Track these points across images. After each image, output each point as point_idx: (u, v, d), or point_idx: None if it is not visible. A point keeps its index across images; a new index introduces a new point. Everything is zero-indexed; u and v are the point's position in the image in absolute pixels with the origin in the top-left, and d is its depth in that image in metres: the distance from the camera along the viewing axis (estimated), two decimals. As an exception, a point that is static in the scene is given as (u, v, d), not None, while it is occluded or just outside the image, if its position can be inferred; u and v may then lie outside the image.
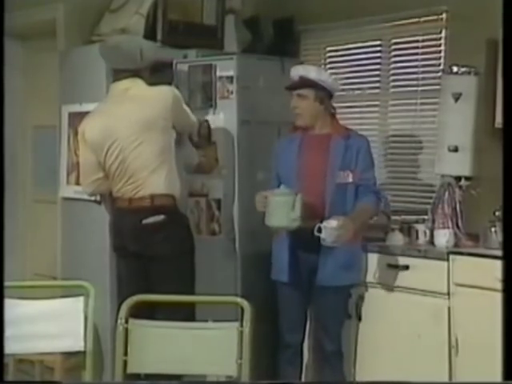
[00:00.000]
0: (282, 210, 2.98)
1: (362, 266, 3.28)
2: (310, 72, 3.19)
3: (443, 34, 3.66)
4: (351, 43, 4.06)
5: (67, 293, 2.61)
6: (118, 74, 3.25)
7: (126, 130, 3.14)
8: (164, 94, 3.20)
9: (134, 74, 3.21)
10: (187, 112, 3.32)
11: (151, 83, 3.24)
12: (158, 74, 3.38)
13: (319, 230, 2.93)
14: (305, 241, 3.09)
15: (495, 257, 2.83)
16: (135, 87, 3.21)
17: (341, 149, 3.17)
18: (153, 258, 3.16)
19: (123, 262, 3.33)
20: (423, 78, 3.76)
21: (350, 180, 3.15)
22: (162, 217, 3.13)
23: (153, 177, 3.14)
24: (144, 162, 3.14)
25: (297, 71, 3.22)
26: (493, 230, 3.08)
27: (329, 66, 4.19)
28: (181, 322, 2.40)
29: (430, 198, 3.47)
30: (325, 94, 3.18)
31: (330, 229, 2.92)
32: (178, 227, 3.21)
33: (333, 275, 3.14)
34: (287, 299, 3.24)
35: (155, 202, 3.14)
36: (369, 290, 3.33)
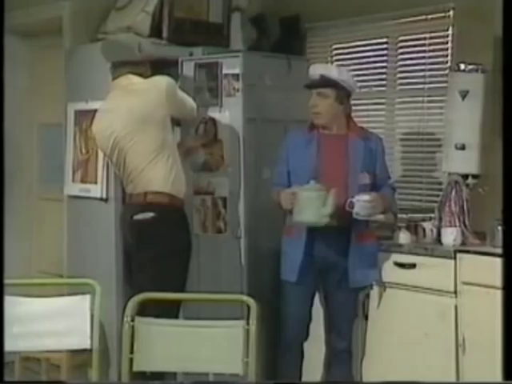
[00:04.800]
0: (313, 205, 2.97)
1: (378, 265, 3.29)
2: (332, 71, 3.19)
3: (450, 32, 3.65)
4: (358, 41, 4.05)
5: (73, 291, 2.61)
6: (116, 71, 3.26)
7: (123, 126, 3.14)
8: (157, 83, 3.16)
9: (132, 70, 3.20)
10: (183, 97, 3.30)
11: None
12: (162, 71, 3.36)
13: (351, 206, 3.01)
14: (324, 240, 3.13)
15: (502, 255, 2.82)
16: (132, 82, 3.20)
17: (360, 150, 3.18)
18: (140, 254, 3.15)
19: (126, 257, 3.37)
20: (430, 76, 3.75)
21: (368, 181, 3.16)
22: (150, 214, 3.09)
23: (146, 173, 3.12)
24: (138, 158, 3.13)
25: (317, 70, 3.19)
26: (499, 228, 3.06)
27: (335, 63, 4.17)
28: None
29: (437, 196, 3.46)
30: (344, 94, 3.18)
31: (362, 202, 3.02)
32: (169, 227, 3.12)
33: (361, 276, 3.18)
34: (295, 299, 3.21)
35: (147, 199, 3.12)
36: (376, 289, 3.32)
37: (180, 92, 3.29)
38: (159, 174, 3.12)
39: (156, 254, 3.09)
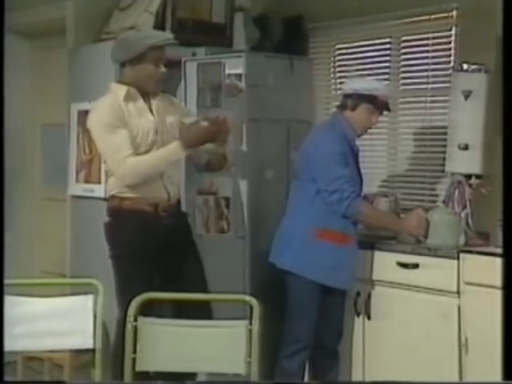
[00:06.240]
0: (450, 227, 3.17)
1: None
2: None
3: (453, 32, 3.64)
4: (360, 41, 4.04)
5: (76, 290, 2.61)
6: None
7: None
8: (92, 114, 3.07)
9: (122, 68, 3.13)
10: (105, 147, 3.04)
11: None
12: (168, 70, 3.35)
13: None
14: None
15: (505, 255, 2.81)
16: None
17: None
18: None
19: None
20: (433, 76, 3.74)
21: None
22: (106, 219, 3.12)
23: (109, 178, 3.14)
24: (104, 160, 3.16)
25: (386, 90, 3.28)
26: (502, 228, 3.07)
27: (338, 63, 4.18)
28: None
29: (440, 196, 3.46)
30: None
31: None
32: (122, 231, 3.08)
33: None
34: (315, 302, 3.18)
35: (108, 203, 3.15)
36: (378, 289, 3.32)
37: (103, 137, 3.01)
38: (111, 178, 3.09)
39: (114, 258, 3.10)
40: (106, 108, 3.03)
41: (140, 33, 3.31)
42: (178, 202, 3.21)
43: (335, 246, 3.14)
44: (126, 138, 2.97)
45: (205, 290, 3.14)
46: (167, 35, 3.20)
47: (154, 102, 3.11)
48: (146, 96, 3.10)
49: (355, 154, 3.24)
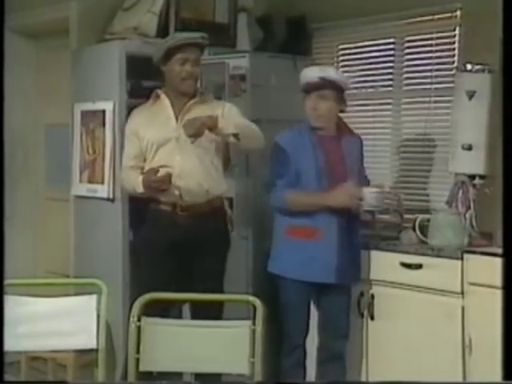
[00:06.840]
0: (454, 228, 3.18)
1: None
2: (330, 72, 3.18)
3: (457, 32, 3.64)
4: (364, 41, 4.04)
5: (80, 291, 2.62)
6: None
7: None
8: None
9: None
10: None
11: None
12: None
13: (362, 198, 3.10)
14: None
15: (509, 256, 2.80)
16: None
17: (352, 148, 3.24)
18: None
19: None
20: (437, 76, 3.74)
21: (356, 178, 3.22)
22: None
23: None
24: None
25: (314, 72, 3.18)
26: (505, 228, 3.06)
27: (341, 63, 4.18)
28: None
29: (444, 196, 3.45)
30: (341, 94, 3.18)
31: (374, 192, 3.10)
32: (141, 225, 3.39)
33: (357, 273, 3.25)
34: (303, 300, 3.19)
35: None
36: (381, 289, 3.32)
37: (125, 141, 3.38)
38: None
39: (135, 251, 3.48)
40: (131, 117, 3.34)
41: (168, 37, 3.42)
42: (208, 202, 3.21)
43: (305, 241, 3.13)
44: (134, 150, 3.26)
45: (218, 292, 3.18)
46: (188, 35, 3.27)
47: (190, 102, 3.21)
48: (185, 97, 3.21)
49: (314, 144, 3.16)
